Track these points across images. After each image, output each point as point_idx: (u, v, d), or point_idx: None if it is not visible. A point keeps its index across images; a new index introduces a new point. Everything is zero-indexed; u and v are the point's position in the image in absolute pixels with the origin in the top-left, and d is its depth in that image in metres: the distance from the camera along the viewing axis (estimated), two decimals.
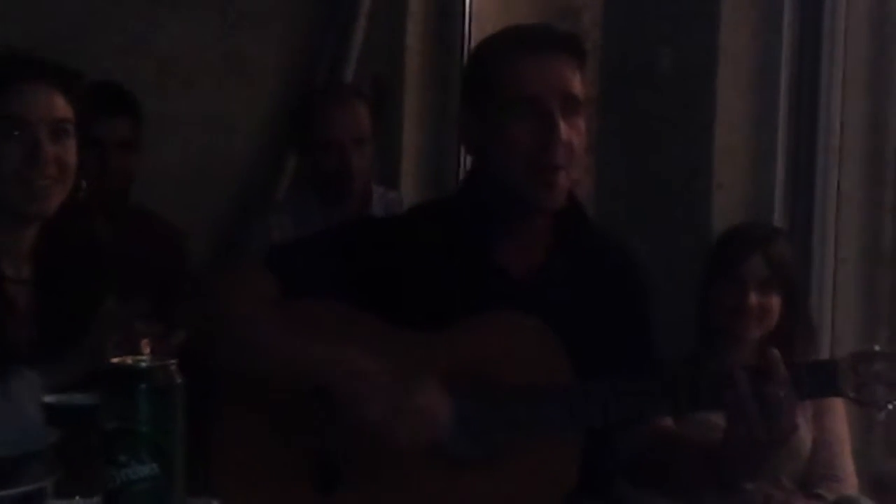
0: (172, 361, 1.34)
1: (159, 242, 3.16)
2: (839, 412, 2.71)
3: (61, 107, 2.09)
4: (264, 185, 3.72)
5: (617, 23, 3.55)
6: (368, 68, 3.74)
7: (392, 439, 1.75)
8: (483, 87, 1.93)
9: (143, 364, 1.33)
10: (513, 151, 1.88)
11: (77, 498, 1.45)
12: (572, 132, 1.88)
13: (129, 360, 1.34)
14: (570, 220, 1.98)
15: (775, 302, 2.71)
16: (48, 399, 1.54)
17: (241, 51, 3.68)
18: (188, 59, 3.61)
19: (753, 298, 2.69)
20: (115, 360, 1.34)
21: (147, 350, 1.83)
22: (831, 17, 3.16)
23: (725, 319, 2.72)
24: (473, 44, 3.58)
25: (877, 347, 1.85)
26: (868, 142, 3.24)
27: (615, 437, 1.96)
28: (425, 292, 1.89)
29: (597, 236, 2.06)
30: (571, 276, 1.97)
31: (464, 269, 1.92)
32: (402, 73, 3.70)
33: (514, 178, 1.89)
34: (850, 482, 2.70)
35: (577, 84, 1.90)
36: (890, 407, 1.83)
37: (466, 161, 3.60)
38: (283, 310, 1.88)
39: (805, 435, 2.63)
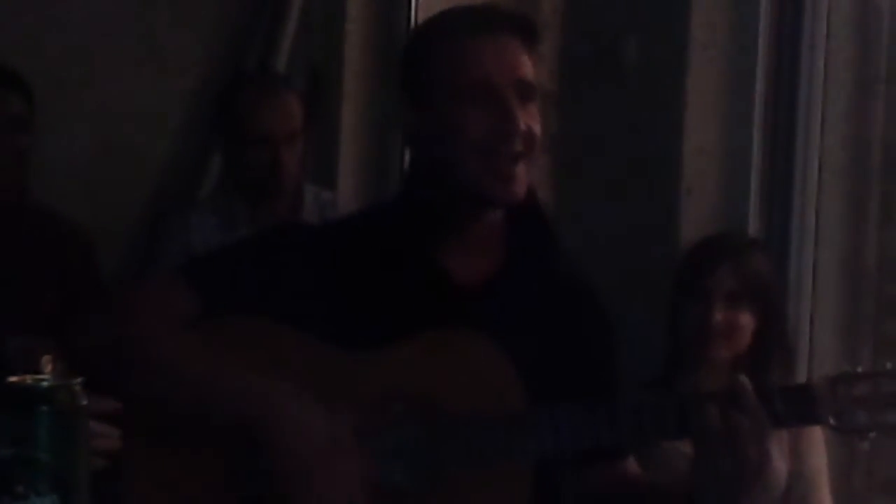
0: (77, 381, 1.31)
1: (62, 243, 3.12)
2: (818, 442, 2.72)
3: None
4: (185, 184, 3.69)
5: (579, 10, 3.56)
6: (303, 56, 3.72)
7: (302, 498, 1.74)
8: (426, 72, 1.90)
9: (44, 383, 1.30)
10: (464, 142, 1.85)
11: None
12: (529, 119, 1.87)
13: (28, 378, 1.31)
14: (527, 223, 1.96)
15: (746, 319, 2.71)
16: None
17: (159, 35, 3.65)
18: (98, 45, 3.57)
19: (719, 314, 2.68)
20: (11, 378, 1.31)
21: (49, 368, 1.79)
22: (812, 10, 3.19)
23: (690, 337, 2.72)
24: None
25: (858, 369, 1.83)
26: (851, 144, 3.26)
27: (570, 473, 1.95)
28: (363, 307, 1.87)
29: (554, 244, 2.04)
30: (526, 290, 1.94)
31: (406, 280, 1.90)
32: (341, 61, 3.69)
33: (466, 171, 1.85)
34: None
35: (529, 68, 1.89)
36: (872, 435, 1.82)
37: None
38: (204, 331, 1.84)
39: (780, 467, 2.64)
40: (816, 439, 2.72)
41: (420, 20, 3.59)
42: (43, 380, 1.31)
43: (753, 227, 3.20)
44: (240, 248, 2.03)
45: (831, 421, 1.81)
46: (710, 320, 2.68)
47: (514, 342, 1.84)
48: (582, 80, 3.50)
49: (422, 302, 1.89)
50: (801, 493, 2.69)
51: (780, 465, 2.63)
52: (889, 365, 1.83)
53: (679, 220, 3.20)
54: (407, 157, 3.58)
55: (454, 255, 1.92)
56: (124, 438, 1.78)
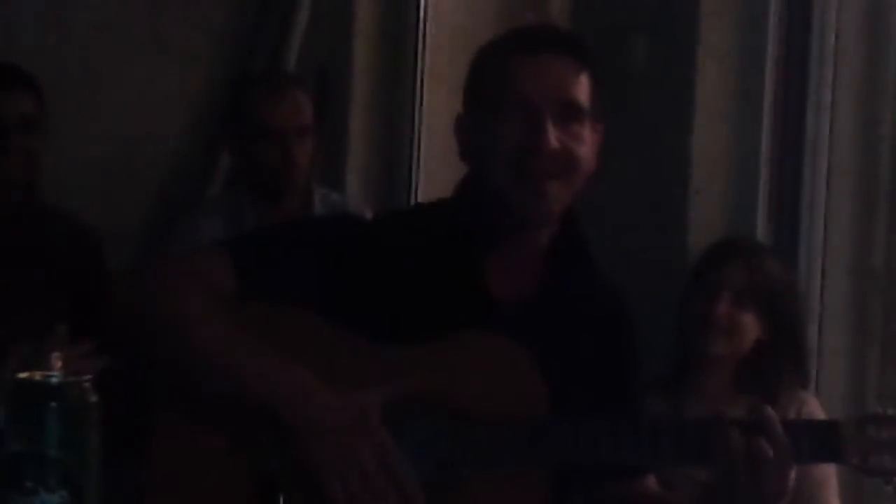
0: (86, 378, 1.32)
1: (72, 242, 3.13)
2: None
3: None
4: (194, 184, 3.69)
5: (587, 12, 3.56)
6: (311, 57, 3.73)
7: (325, 488, 1.74)
8: (478, 89, 1.95)
9: (54, 380, 1.30)
10: (501, 156, 1.87)
11: None
12: (569, 140, 1.87)
13: (37, 375, 1.31)
14: (568, 244, 1.97)
15: (750, 319, 2.71)
16: None
17: (168, 35, 3.66)
18: (107, 44, 3.58)
19: (723, 308, 2.68)
20: (21, 374, 1.31)
21: (59, 364, 1.80)
22: (821, 11, 3.19)
23: (692, 332, 2.72)
24: (429, 30, 3.60)
25: (890, 411, 1.79)
26: (859, 145, 3.26)
27: (591, 484, 1.95)
28: (401, 303, 1.88)
29: (592, 268, 2.05)
30: (560, 312, 1.96)
31: (448, 283, 1.91)
32: (350, 62, 3.69)
33: (498, 183, 1.88)
34: None
35: (577, 89, 1.90)
36: None
37: (420, 161, 3.60)
38: (239, 311, 1.84)
39: None
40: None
41: (428, 22, 3.60)
42: (52, 376, 1.31)
43: (762, 227, 3.20)
44: (285, 233, 2.02)
45: (855, 461, 1.78)
46: (713, 314, 2.68)
47: (544, 358, 1.86)
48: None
49: (457, 307, 1.90)
50: (810, 493, 2.68)
51: None
52: None
53: (687, 222, 3.20)
54: (416, 161, 3.61)
55: (496, 268, 1.94)
56: (149, 419, 1.79)
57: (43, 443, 1.27)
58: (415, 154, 3.62)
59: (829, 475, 2.72)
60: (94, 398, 1.31)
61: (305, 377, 1.78)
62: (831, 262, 3.25)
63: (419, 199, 3.45)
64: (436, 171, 3.44)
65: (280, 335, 1.83)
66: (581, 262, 2.01)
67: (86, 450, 1.29)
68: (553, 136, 1.85)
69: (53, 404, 1.28)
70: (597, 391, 1.94)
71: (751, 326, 2.72)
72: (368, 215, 2.74)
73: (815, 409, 2.78)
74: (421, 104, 3.59)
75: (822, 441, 1.80)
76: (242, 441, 1.80)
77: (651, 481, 2.02)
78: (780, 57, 3.20)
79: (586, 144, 1.90)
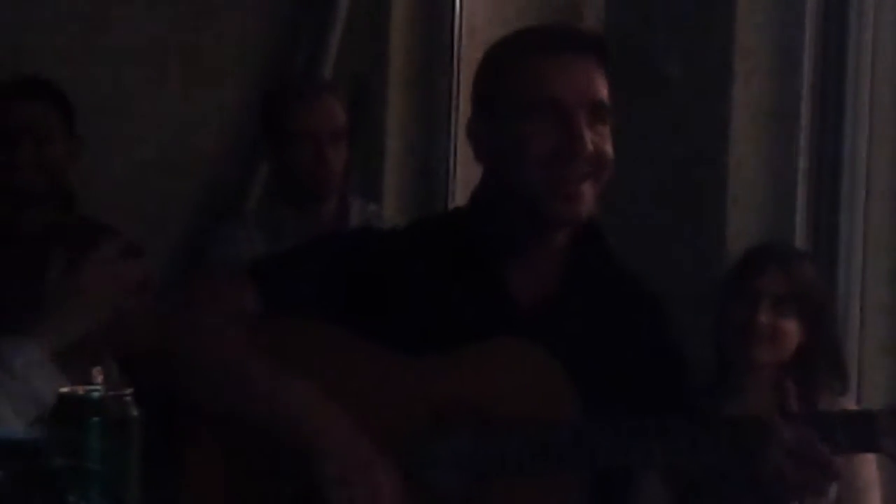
0: (128, 392, 1.33)
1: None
2: (869, 456, 2.69)
3: None
4: (232, 196, 3.70)
5: (622, 21, 3.55)
6: (348, 66, 3.74)
7: None
8: (499, 89, 1.91)
9: (95, 394, 1.31)
10: (531, 159, 1.85)
11: None
12: (599, 140, 1.86)
13: (79, 389, 1.32)
14: (588, 244, 1.97)
15: (791, 325, 2.69)
16: None
17: (204, 48, 3.67)
18: (143, 59, 3.60)
19: (765, 316, 2.67)
20: (63, 389, 1.32)
21: (100, 378, 1.81)
22: (857, 20, 3.17)
23: (734, 339, 2.71)
24: (464, 41, 3.60)
25: None
26: None
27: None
28: (424, 313, 1.88)
29: (616, 266, 2.04)
30: (585, 309, 1.94)
31: (467, 291, 1.91)
32: (386, 72, 3.70)
33: (531, 189, 1.86)
34: None
35: (602, 89, 1.89)
36: None
37: (457, 170, 3.60)
38: (262, 331, 1.85)
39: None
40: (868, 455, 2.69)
41: (463, 32, 3.60)
42: (94, 391, 1.32)
43: (800, 236, 3.18)
44: (304, 251, 2.03)
45: (891, 450, 1.81)
46: (754, 322, 2.67)
47: (571, 359, 1.84)
48: (627, 92, 3.48)
49: (481, 314, 1.89)
50: (853, 501, 2.67)
51: None
52: None
53: (725, 231, 3.19)
54: (453, 169, 3.61)
55: (516, 272, 1.93)
56: (176, 444, 1.80)
57: (85, 457, 1.28)
58: (451, 164, 3.62)
59: (872, 485, 2.70)
60: (135, 412, 1.32)
61: (346, 427, 1.78)
62: (870, 268, 3.23)
63: None
64: (472, 181, 3.41)
65: (309, 352, 1.84)
66: (601, 260, 2.00)
67: (127, 463, 1.30)
68: (588, 139, 1.84)
69: (95, 419, 1.29)
70: (632, 383, 1.91)
71: (792, 332, 2.70)
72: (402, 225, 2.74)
73: None
74: (456, 114, 3.59)
75: (857, 431, 1.81)
76: (271, 467, 1.81)
77: None
78: (816, 66, 3.18)
79: (611, 143, 1.90)
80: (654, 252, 3.24)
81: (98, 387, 1.34)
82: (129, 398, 1.32)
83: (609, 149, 1.88)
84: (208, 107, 3.68)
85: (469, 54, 3.56)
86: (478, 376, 1.85)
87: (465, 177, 3.52)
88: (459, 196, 3.53)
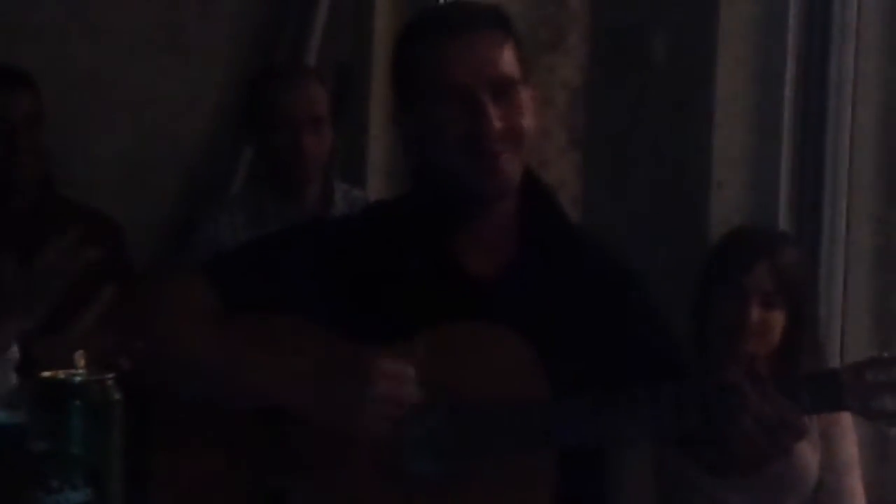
0: (110, 376, 1.33)
1: (93, 235, 3.15)
2: (849, 432, 2.71)
3: None
4: (216, 180, 3.70)
5: (606, 5, 3.55)
6: (332, 53, 3.73)
7: (354, 429, 1.78)
8: (407, 75, 1.95)
9: (77, 378, 1.31)
10: (445, 141, 1.89)
11: None
12: (510, 113, 1.88)
13: (60, 373, 1.32)
14: (538, 210, 1.98)
15: (778, 317, 2.69)
16: None
17: (188, 32, 3.67)
18: (127, 41, 3.59)
19: (756, 314, 2.66)
20: (44, 373, 1.32)
21: (82, 362, 1.81)
22: (842, 4, 3.17)
23: (723, 335, 2.71)
24: None
25: (885, 354, 1.84)
26: (882, 135, 3.24)
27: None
28: (379, 302, 1.90)
29: (571, 228, 2.06)
30: (543, 278, 1.95)
31: (420, 273, 1.92)
32: (369, 58, 3.69)
33: (448, 169, 1.90)
34: None
35: (506, 61, 1.90)
36: None
37: None
38: (224, 325, 1.88)
39: (811, 458, 2.63)
40: (847, 428, 2.70)
41: None
42: (76, 375, 1.32)
43: (783, 220, 3.18)
44: (257, 246, 2.05)
45: (857, 406, 1.82)
46: (746, 319, 2.66)
47: (533, 331, 1.85)
48: (610, 75, 3.49)
49: (437, 295, 1.91)
50: (833, 484, 2.68)
51: (810, 455, 2.62)
52: None
53: (709, 215, 3.19)
54: None
55: (467, 248, 1.95)
56: (150, 435, 1.81)
57: (67, 441, 1.28)
58: None
59: (852, 463, 2.72)
60: (116, 396, 1.32)
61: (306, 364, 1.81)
62: (854, 255, 3.23)
63: None
64: None
65: (266, 344, 1.86)
66: (552, 221, 2.01)
67: (109, 447, 1.30)
68: (495, 117, 1.86)
69: (77, 402, 1.29)
70: (602, 352, 1.92)
71: (779, 321, 2.70)
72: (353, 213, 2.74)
73: None
74: None
75: (823, 392, 1.82)
76: (245, 458, 1.82)
77: None
78: (800, 50, 3.18)
79: (526, 112, 1.91)
80: (637, 237, 3.25)
81: (80, 371, 1.34)
82: (110, 382, 1.32)
83: (523, 120, 1.90)
84: (193, 91, 3.68)
85: None
86: (446, 359, 1.85)
87: None
88: None
